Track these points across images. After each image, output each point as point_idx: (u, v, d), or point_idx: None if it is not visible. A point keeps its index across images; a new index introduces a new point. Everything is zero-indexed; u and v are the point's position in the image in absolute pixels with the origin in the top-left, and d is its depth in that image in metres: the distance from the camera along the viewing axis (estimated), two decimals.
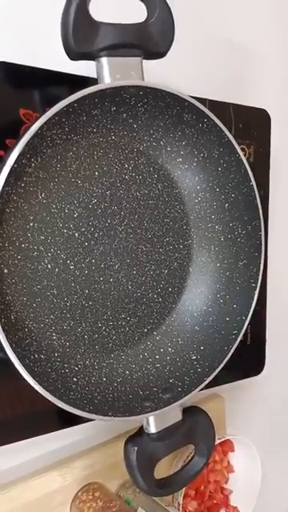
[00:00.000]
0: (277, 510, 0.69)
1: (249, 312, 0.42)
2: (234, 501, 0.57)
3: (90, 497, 0.44)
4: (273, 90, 0.61)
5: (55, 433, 0.43)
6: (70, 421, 0.43)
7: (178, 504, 0.49)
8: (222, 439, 0.52)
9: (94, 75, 0.34)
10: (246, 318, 0.42)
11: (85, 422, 0.43)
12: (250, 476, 0.56)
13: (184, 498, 0.50)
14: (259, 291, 0.42)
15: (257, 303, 0.42)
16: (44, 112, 0.31)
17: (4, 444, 0.40)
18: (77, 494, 0.45)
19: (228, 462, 0.57)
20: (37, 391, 0.32)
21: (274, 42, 0.61)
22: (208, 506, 0.54)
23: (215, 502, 0.55)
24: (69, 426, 0.44)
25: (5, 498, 0.41)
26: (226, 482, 0.57)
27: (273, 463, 0.65)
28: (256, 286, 0.42)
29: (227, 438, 0.53)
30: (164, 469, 0.50)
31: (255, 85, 0.59)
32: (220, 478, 0.55)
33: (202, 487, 0.53)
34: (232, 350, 0.41)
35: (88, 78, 0.39)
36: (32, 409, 0.40)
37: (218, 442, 0.51)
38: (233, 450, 0.56)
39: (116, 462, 0.46)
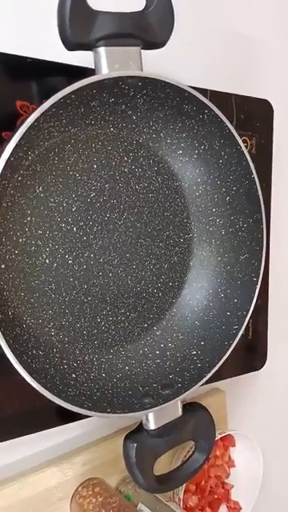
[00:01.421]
0: (278, 504, 0.69)
1: (250, 307, 0.41)
2: (235, 495, 0.57)
3: (90, 492, 0.44)
4: (276, 81, 0.60)
5: (55, 428, 0.42)
6: (70, 417, 0.43)
7: (179, 499, 0.49)
8: (223, 434, 0.52)
9: (92, 66, 0.33)
10: (248, 312, 0.41)
11: (84, 417, 0.43)
12: (251, 471, 0.56)
13: (185, 493, 0.50)
14: (261, 286, 0.41)
15: (258, 297, 0.42)
16: (41, 104, 0.30)
17: (3, 440, 0.40)
18: (77, 489, 0.45)
19: (229, 456, 0.57)
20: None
21: (277, 31, 0.60)
22: (209, 501, 0.54)
23: (216, 496, 0.54)
24: (69, 422, 0.43)
25: (4, 493, 0.40)
26: (227, 477, 0.57)
27: (274, 457, 0.65)
28: (257, 281, 0.41)
29: (228, 432, 0.52)
30: (164, 465, 0.50)
31: (258, 75, 0.58)
32: (221, 473, 0.55)
33: (203, 482, 0.53)
34: (233, 346, 0.40)
35: (86, 68, 0.38)
36: (31, 405, 0.40)
37: (218, 436, 0.51)
38: (234, 445, 0.56)
39: (116, 457, 0.46)
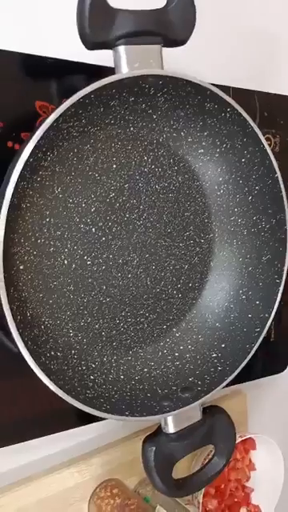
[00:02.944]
0: None
1: (272, 309, 0.40)
2: (255, 499, 0.56)
3: (108, 493, 0.44)
4: None
5: (73, 429, 0.42)
6: (88, 418, 0.43)
7: (198, 502, 0.48)
8: (244, 437, 0.51)
9: (112, 64, 0.32)
10: (270, 315, 0.40)
11: (103, 419, 0.42)
12: (272, 474, 0.55)
13: (204, 496, 0.50)
14: (284, 287, 0.40)
15: (281, 299, 0.41)
16: (60, 104, 0.30)
17: (22, 441, 0.40)
18: (95, 490, 0.44)
19: (249, 459, 0.56)
20: None
21: None
22: (229, 505, 0.53)
23: (236, 500, 0.54)
24: (87, 423, 0.43)
25: (23, 493, 0.41)
26: (248, 480, 0.56)
27: None
28: (280, 282, 0.40)
29: (249, 435, 0.52)
30: (183, 468, 0.49)
31: (281, 71, 0.57)
32: (241, 476, 0.54)
33: (223, 485, 0.52)
34: (254, 349, 0.40)
35: (106, 67, 0.38)
36: (50, 406, 0.40)
37: (239, 440, 0.50)
38: (254, 448, 0.55)
39: (134, 458, 0.46)
